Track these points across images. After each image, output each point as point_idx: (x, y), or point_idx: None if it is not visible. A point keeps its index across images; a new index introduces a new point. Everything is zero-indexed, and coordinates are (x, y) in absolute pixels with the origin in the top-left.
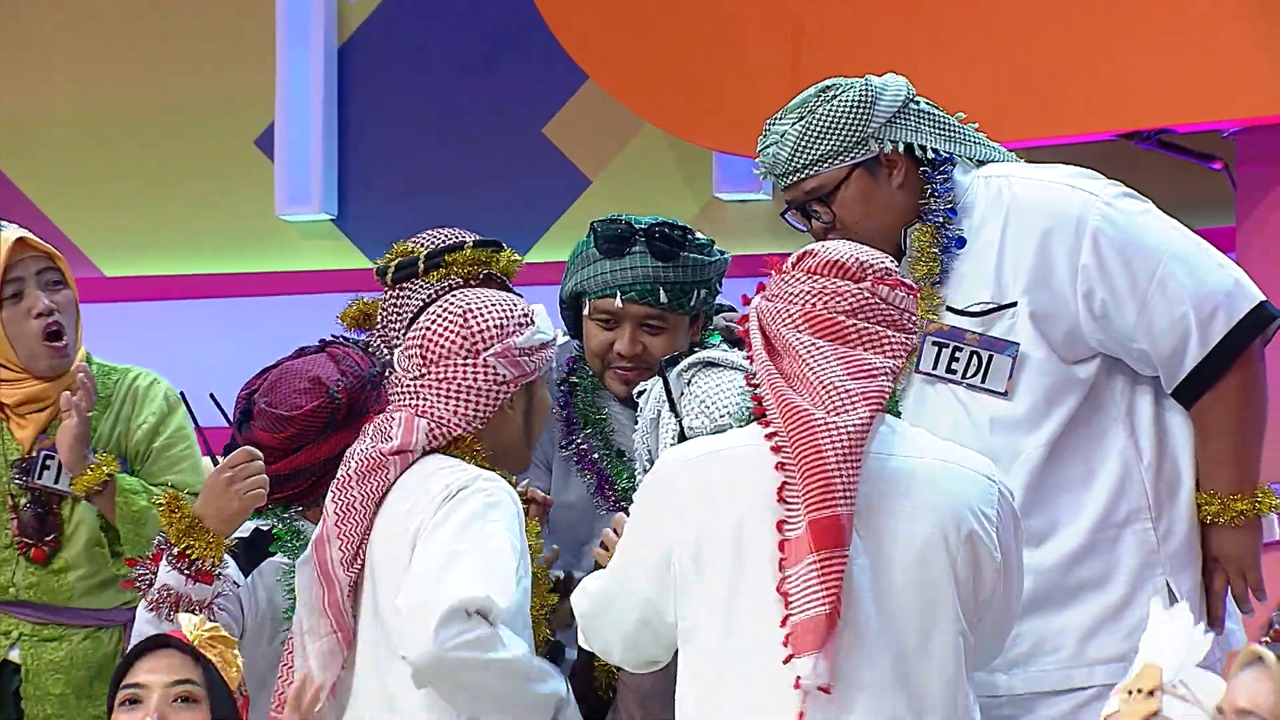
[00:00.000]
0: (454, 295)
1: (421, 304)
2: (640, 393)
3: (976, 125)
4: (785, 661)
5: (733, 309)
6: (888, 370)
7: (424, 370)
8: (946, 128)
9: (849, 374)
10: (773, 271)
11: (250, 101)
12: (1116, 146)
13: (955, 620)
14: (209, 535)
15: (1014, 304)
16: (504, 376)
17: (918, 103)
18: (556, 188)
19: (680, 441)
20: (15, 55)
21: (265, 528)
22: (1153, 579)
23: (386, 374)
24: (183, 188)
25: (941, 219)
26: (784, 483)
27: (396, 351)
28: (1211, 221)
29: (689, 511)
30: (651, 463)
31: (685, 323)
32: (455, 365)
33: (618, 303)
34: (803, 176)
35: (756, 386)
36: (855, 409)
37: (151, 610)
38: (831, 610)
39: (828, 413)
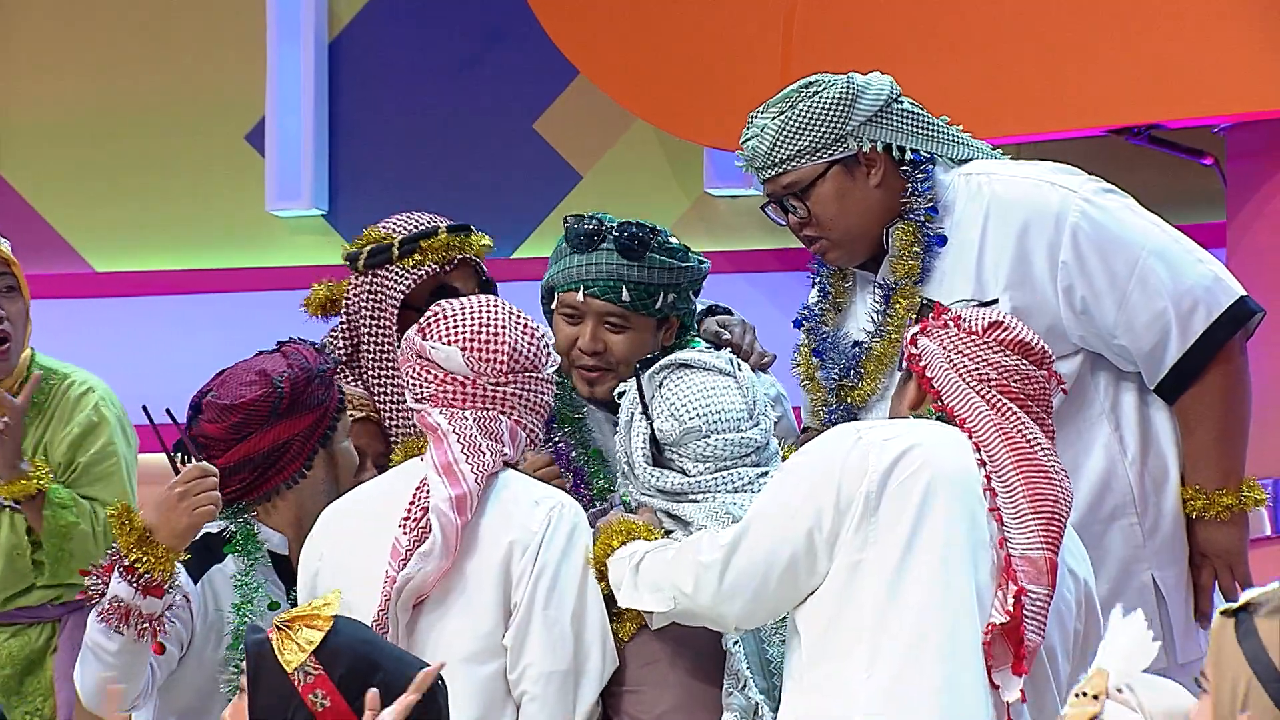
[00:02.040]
0: (502, 303)
1: (402, 293)
2: (621, 394)
3: (961, 126)
4: (1016, 673)
5: (728, 311)
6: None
7: (509, 378)
8: (929, 127)
9: (1051, 449)
10: (951, 323)
11: (240, 97)
12: (1107, 142)
13: (1067, 657)
14: (159, 549)
15: (995, 301)
16: (551, 394)
17: (900, 102)
18: (547, 183)
19: (649, 446)
20: (4, 50)
21: (215, 530)
22: (1138, 574)
23: (337, 370)
24: (173, 183)
25: (922, 217)
26: (999, 507)
27: (439, 345)
28: (1202, 217)
29: (879, 459)
30: (630, 465)
31: (651, 325)
32: (534, 379)
33: (579, 297)
34: (780, 171)
35: (963, 421)
36: (1067, 482)
37: (102, 621)
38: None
39: (1055, 472)
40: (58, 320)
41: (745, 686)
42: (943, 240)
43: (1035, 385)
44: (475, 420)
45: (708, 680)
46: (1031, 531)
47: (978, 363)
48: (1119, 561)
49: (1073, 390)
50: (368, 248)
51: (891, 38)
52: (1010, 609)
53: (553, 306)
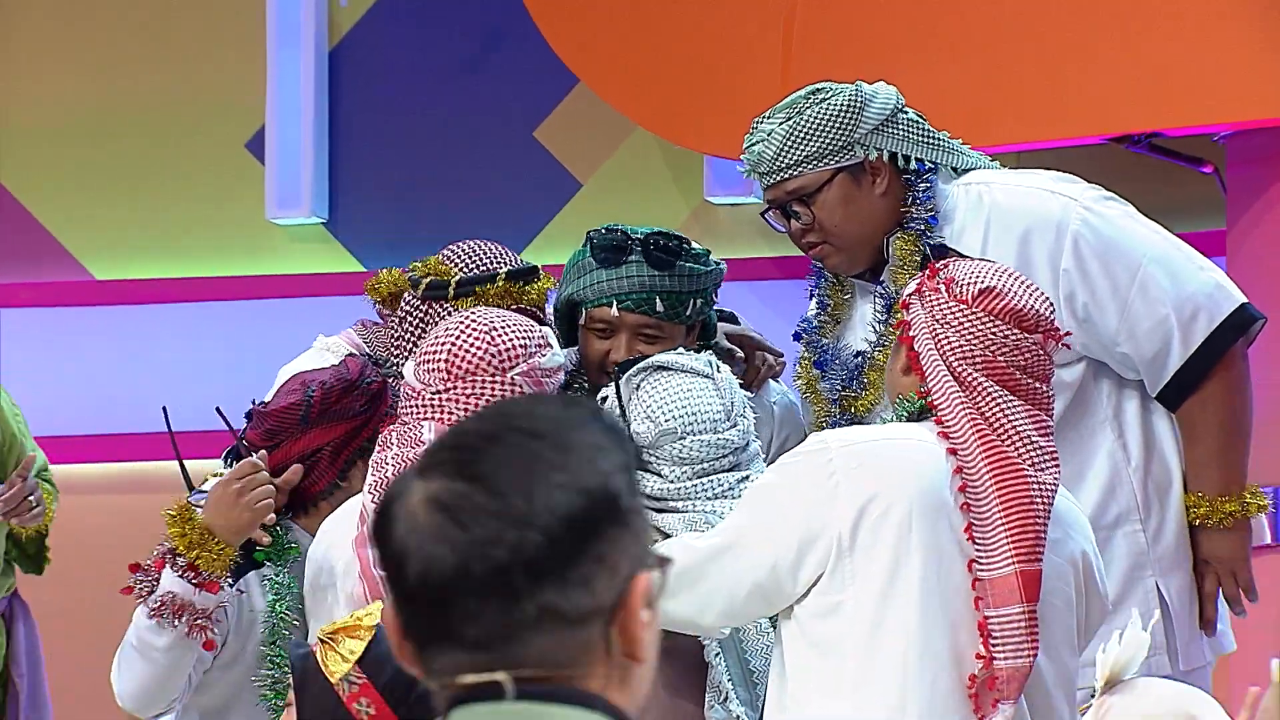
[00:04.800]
0: (477, 312)
1: None
2: (604, 399)
3: (962, 140)
4: (994, 705)
5: (733, 316)
6: (1053, 427)
7: (449, 385)
8: (932, 137)
9: (1037, 430)
10: (943, 288)
11: (240, 104)
12: (1107, 150)
13: (1073, 650)
14: (218, 546)
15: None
16: (515, 393)
17: (906, 112)
18: (547, 191)
19: None
20: (3, 53)
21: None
22: (1143, 580)
23: (387, 383)
24: (173, 191)
25: (923, 227)
26: (972, 524)
27: (410, 363)
28: (1202, 225)
29: (851, 492)
30: None
31: (681, 332)
32: (483, 381)
33: (614, 312)
34: (786, 176)
35: (931, 404)
36: (1050, 467)
37: (153, 617)
38: (1032, 662)
39: (1032, 468)
40: (57, 328)
41: (727, 699)
42: (943, 249)
43: (1027, 355)
44: (397, 440)
45: (691, 692)
46: (1001, 548)
47: (964, 337)
48: (1123, 569)
49: (1076, 397)
50: (427, 278)
51: (891, 46)
52: (981, 651)
53: (582, 322)
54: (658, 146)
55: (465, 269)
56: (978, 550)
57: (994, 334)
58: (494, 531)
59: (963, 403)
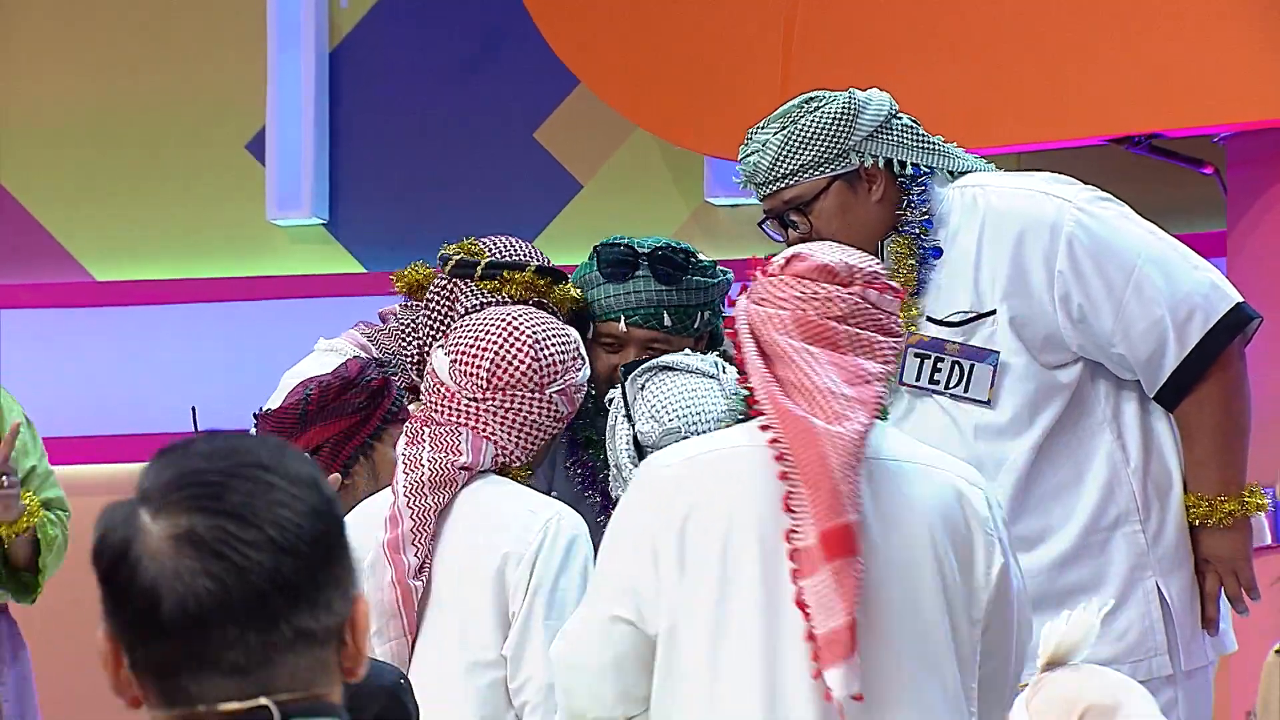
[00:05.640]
0: (520, 316)
1: (468, 310)
2: (610, 399)
3: (961, 141)
4: (815, 676)
5: None
6: (881, 375)
7: (488, 395)
8: (926, 142)
9: (846, 380)
10: (758, 273)
11: (241, 105)
12: (1108, 151)
13: (944, 620)
14: None
15: (993, 312)
16: (562, 414)
17: (900, 118)
18: (547, 192)
19: (633, 448)
20: (4, 58)
21: None
22: (1143, 581)
23: (390, 382)
24: (174, 192)
25: (918, 230)
26: (789, 492)
27: (442, 355)
28: (1202, 226)
29: (675, 507)
30: (619, 469)
31: (689, 344)
32: (522, 397)
33: (622, 327)
34: (782, 186)
35: (750, 391)
36: (855, 416)
37: None
38: (850, 619)
39: (828, 421)
40: (57, 329)
41: None
42: (938, 252)
43: (843, 304)
44: (430, 441)
45: None
46: (805, 514)
47: (774, 305)
48: (1124, 569)
49: (1073, 399)
50: (458, 255)
51: (891, 47)
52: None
53: (590, 336)
54: (658, 147)
55: (498, 254)
56: (794, 521)
57: (802, 291)
58: (253, 560)
59: (769, 378)
